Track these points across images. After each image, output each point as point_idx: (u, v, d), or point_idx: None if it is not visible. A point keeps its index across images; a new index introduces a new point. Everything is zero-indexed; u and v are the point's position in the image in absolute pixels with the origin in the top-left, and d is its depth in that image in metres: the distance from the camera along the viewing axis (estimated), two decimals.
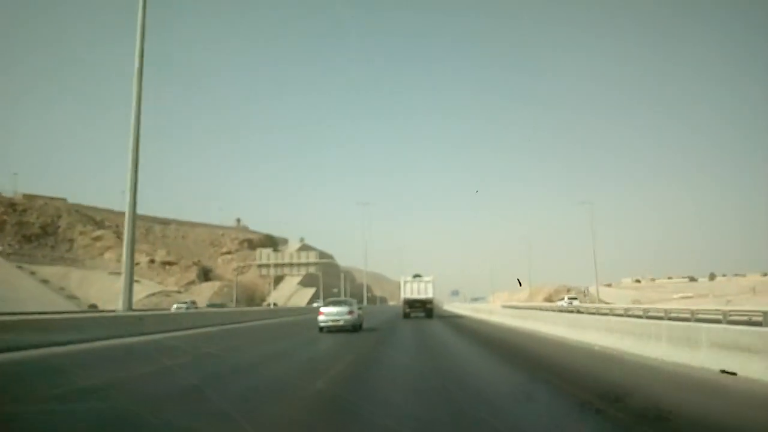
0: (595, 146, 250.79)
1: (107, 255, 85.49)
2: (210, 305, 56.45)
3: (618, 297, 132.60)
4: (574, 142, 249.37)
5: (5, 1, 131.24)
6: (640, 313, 31.90)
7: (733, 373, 8.34)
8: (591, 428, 5.68)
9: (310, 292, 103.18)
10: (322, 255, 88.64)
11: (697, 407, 6.69)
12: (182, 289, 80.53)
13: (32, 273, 71.93)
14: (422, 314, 36.68)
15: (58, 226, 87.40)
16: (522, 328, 23.65)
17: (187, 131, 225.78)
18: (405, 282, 37.75)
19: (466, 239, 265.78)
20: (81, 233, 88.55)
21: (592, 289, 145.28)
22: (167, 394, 7.33)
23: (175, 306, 47.32)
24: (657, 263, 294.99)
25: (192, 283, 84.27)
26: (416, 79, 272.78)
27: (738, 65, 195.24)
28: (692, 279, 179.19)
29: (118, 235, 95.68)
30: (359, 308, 22.29)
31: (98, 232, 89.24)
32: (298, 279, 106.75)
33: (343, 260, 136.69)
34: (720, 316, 26.80)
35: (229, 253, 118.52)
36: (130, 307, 21.11)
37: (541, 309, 43.52)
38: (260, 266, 62.29)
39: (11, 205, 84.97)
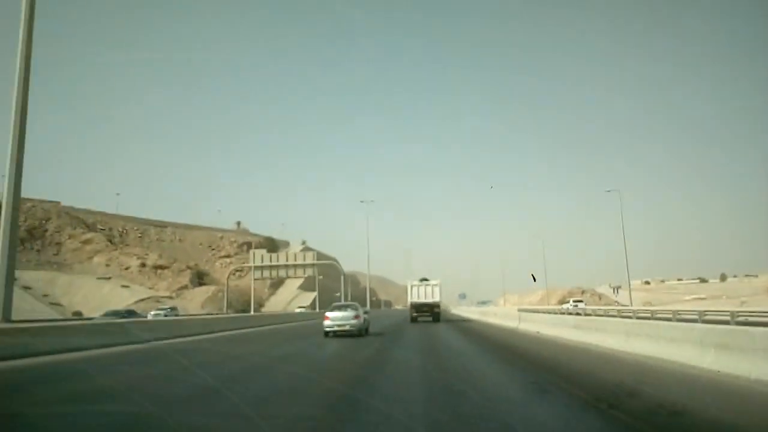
0: (603, 148, 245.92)
1: (96, 259, 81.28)
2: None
3: (626, 300, 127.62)
4: (582, 144, 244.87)
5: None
6: (695, 316, 27.08)
7: None
8: None
9: (311, 296, 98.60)
10: (324, 257, 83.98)
11: None
12: (174, 294, 76.12)
13: (14, 279, 67.71)
14: (429, 318, 36.76)
15: (46, 229, 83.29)
16: (549, 335, 19.52)
17: (187, 133, 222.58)
18: (412, 286, 37.80)
19: (474, 243, 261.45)
20: (70, 236, 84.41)
21: (603, 290, 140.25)
22: None
23: (152, 313, 42.73)
24: (665, 265, 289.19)
25: (185, 287, 79.85)
26: (422, 79, 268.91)
27: (757, 62, 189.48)
28: (703, 280, 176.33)
29: (110, 239, 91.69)
30: (365, 312, 22.06)
31: (88, 235, 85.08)
32: (298, 283, 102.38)
33: (348, 265, 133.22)
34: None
35: (227, 256, 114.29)
36: (6, 318, 15.74)
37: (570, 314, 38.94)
38: (254, 268, 57.53)
39: None
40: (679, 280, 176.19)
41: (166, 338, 20.32)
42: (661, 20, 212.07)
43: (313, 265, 59.19)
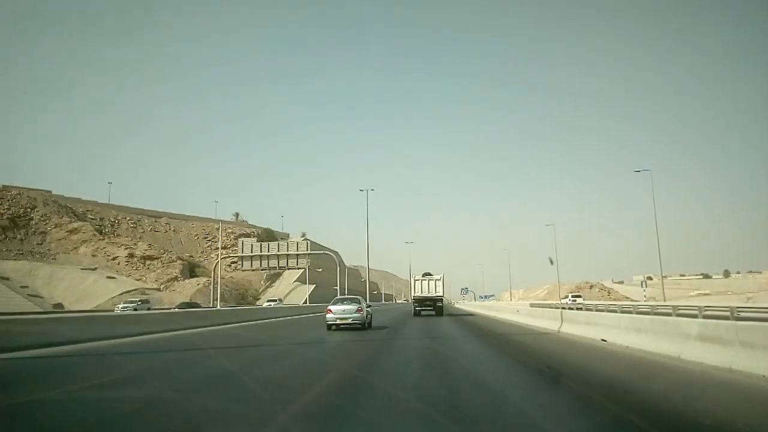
0: (605, 142, 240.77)
1: (82, 249, 77.34)
2: (184, 305, 47.49)
3: (635, 294, 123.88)
4: (585, 138, 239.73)
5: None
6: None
7: None
8: None
9: (309, 289, 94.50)
10: (322, 249, 79.61)
11: None
12: (163, 287, 72.15)
13: None
14: (432, 312, 36.90)
15: (31, 218, 79.41)
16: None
17: (187, 124, 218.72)
18: (415, 280, 38.06)
19: (478, 238, 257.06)
20: (56, 225, 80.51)
21: (611, 284, 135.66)
22: None
23: (119, 306, 38.56)
24: (668, 260, 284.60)
25: (175, 279, 75.73)
26: (425, 72, 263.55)
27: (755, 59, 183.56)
28: (706, 276, 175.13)
29: (100, 229, 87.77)
30: (368, 306, 21.99)
31: (75, 224, 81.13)
32: (296, 275, 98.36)
33: (352, 260, 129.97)
34: None
35: (224, 248, 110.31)
36: None
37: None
38: (243, 258, 53.38)
39: None
40: (682, 275, 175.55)
41: (101, 338, 16.01)
42: (664, 18, 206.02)
43: (306, 255, 54.90)
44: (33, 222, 79.46)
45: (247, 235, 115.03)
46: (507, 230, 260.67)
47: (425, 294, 37.15)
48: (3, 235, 73.66)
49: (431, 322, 27.16)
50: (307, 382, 7.86)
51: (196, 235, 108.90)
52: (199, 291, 70.88)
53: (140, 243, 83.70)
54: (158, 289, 69.90)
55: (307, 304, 63.77)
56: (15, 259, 68.83)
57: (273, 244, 56.74)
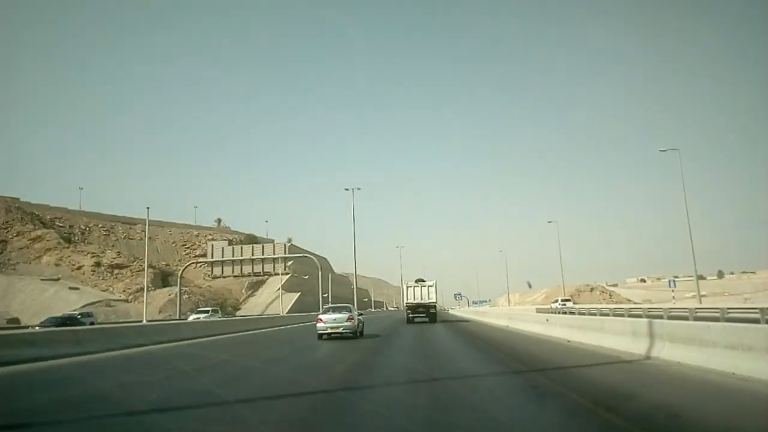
0: (597, 144, 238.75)
1: (45, 258, 71.69)
2: (49, 321, 35.48)
3: (635, 297, 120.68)
4: (576, 140, 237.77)
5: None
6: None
7: None
8: None
9: (293, 297, 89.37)
10: (306, 255, 74.42)
11: None
12: (131, 297, 66.68)
13: None
14: (425, 319, 36.40)
15: None
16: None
17: (169, 130, 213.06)
18: (408, 287, 37.74)
19: (471, 244, 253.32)
20: (18, 233, 74.80)
21: (615, 289, 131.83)
22: None
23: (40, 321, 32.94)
24: (661, 262, 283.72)
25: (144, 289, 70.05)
26: (419, 69, 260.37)
27: (750, 61, 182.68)
28: (701, 277, 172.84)
29: (68, 236, 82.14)
30: (360, 314, 21.71)
31: (38, 232, 75.47)
32: (280, 282, 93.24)
33: (342, 268, 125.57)
34: None
35: (203, 255, 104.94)
36: None
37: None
38: (212, 264, 48.24)
39: None
40: (675, 277, 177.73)
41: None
42: (660, 19, 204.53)
43: (283, 258, 49.94)
44: None
45: (229, 242, 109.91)
46: (501, 234, 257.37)
47: (418, 301, 36.75)
48: None
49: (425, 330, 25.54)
50: None
51: (173, 242, 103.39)
52: (171, 301, 65.50)
53: (108, 251, 78.05)
54: (126, 300, 64.46)
55: (281, 314, 58.21)
56: None
57: (247, 248, 51.85)
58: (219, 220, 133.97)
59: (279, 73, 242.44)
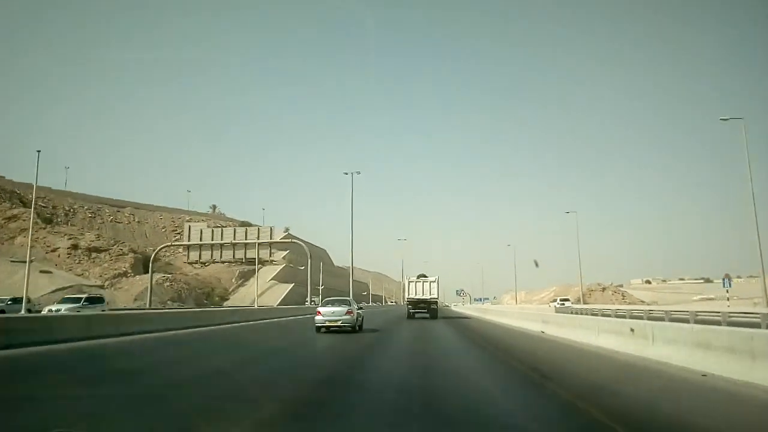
0: (602, 146, 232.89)
1: (20, 239, 66.69)
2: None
3: (646, 297, 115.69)
4: (582, 142, 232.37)
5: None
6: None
7: None
8: None
9: (287, 288, 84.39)
10: (302, 244, 69.08)
11: None
12: (107, 283, 61.63)
13: None
14: (426, 314, 36.24)
15: None
16: None
17: (164, 112, 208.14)
18: (409, 282, 37.76)
19: (475, 239, 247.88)
20: None
21: (629, 289, 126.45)
22: None
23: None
24: (666, 264, 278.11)
25: (124, 275, 65.09)
26: (422, 66, 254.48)
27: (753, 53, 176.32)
28: (707, 280, 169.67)
29: (47, 218, 77.24)
30: (359, 308, 21.59)
31: (14, 211, 70.52)
32: (273, 273, 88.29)
33: (343, 261, 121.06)
34: None
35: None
36: None
37: None
38: (188, 248, 43.14)
39: None
40: (681, 279, 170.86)
41: None
42: (658, 21, 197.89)
43: (269, 244, 44.80)
44: None
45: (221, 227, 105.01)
46: (507, 233, 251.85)
47: (419, 296, 36.50)
48: None
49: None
50: None
51: (163, 227, 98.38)
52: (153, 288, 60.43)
53: (87, 234, 73.02)
54: (101, 286, 59.41)
55: (261, 306, 53.09)
56: None
57: (228, 231, 46.49)
58: (214, 207, 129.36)
59: (287, 64, 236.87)
